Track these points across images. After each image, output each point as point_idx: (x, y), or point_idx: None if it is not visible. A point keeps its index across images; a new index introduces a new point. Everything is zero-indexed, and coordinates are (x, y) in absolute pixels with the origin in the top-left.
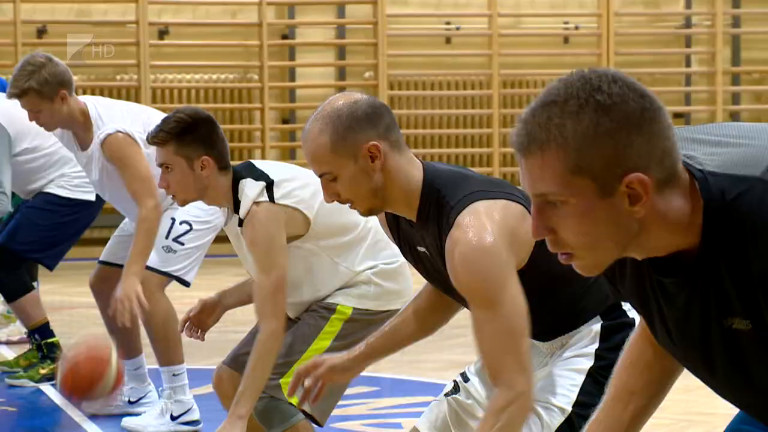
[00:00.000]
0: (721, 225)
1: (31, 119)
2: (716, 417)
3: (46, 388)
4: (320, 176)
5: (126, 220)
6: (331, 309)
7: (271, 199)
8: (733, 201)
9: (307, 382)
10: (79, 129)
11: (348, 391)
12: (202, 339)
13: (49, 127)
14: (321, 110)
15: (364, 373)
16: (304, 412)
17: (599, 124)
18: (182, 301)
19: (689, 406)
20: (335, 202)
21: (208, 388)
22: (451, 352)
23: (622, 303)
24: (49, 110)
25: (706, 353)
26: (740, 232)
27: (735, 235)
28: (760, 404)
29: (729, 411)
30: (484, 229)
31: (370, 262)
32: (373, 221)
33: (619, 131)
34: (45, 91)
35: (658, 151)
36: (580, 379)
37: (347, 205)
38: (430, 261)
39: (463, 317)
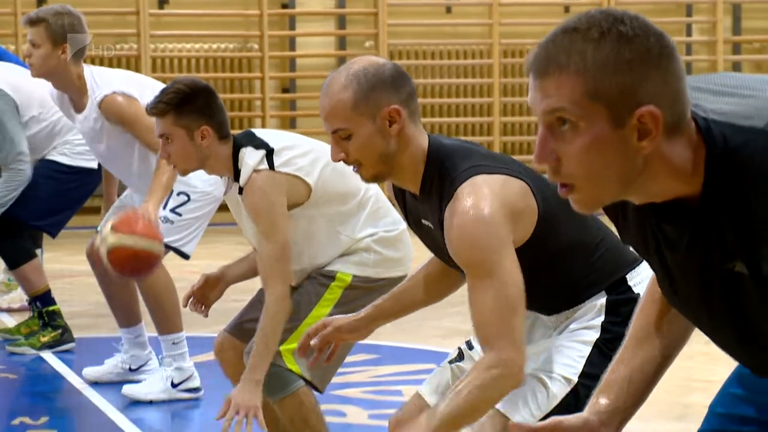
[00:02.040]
0: (723, 173)
1: (26, 53)
2: (716, 384)
3: (47, 355)
4: (333, 132)
5: (127, 191)
6: (331, 276)
7: (271, 166)
8: (736, 150)
9: (313, 342)
10: (75, 93)
11: (348, 359)
12: (206, 315)
13: (35, 70)
14: (345, 67)
15: (364, 341)
16: (304, 379)
17: (620, 54)
18: (183, 269)
19: (690, 373)
20: (341, 162)
21: (209, 356)
22: (452, 320)
23: (628, 278)
24: (46, 52)
25: (706, 297)
26: (742, 180)
27: (737, 183)
28: (756, 351)
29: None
30: (483, 201)
31: (371, 230)
32: (374, 188)
33: (638, 64)
34: (55, 32)
35: (671, 91)
36: (587, 350)
37: (351, 169)
38: (434, 234)
39: (463, 285)
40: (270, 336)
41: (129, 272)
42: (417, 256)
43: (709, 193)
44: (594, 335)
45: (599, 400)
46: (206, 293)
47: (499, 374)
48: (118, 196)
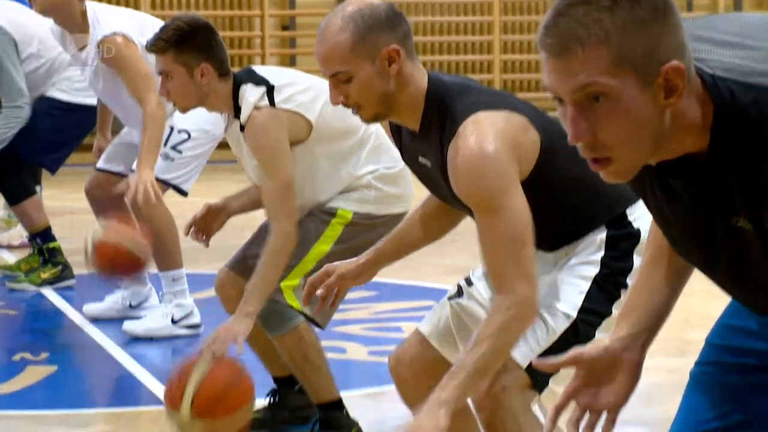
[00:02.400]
0: (731, 130)
1: None
2: (715, 320)
3: (48, 292)
4: (331, 76)
5: (125, 128)
6: (332, 213)
7: (272, 103)
8: (744, 108)
9: (320, 292)
10: (76, 30)
11: (348, 296)
12: (207, 244)
13: (39, 6)
14: (340, 9)
15: None
16: (304, 315)
17: (635, 15)
18: (182, 207)
19: (689, 309)
20: (340, 105)
21: (209, 293)
22: (451, 257)
23: (628, 213)
24: None
25: (709, 250)
26: (749, 139)
27: (744, 141)
28: (759, 299)
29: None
30: (486, 137)
31: (371, 167)
32: (375, 125)
33: (652, 22)
34: None
35: (680, 44)
36: (586, 286)
37: (351, 110)
38: (431, 172)
39: (463, 222)
40: (270, 271)
41: (109, 269)
42: (418, 193)
43: (716, 150)
44: (593, 270)
45: (620, 327)
46: (208, 223)
47: (516, 314)
48: (115, 133)
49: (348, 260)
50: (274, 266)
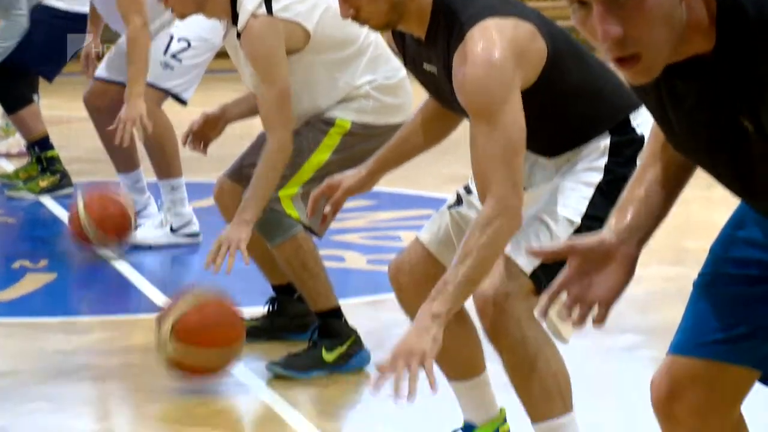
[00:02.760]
0: (732, 26)
1: None
2: (714, 228)
3: (46, 200)
4: None
5: (123, 37)
6: (330, 122)
7: (270, 11)
8: (742, 4)
9: (327, 209)
10: None
11: (346, 205)
12: (205, 152)
13: None
14: None
15: None
16: (302, 224)
17: None
18: (180, 116)
19: (688, 217)
20: (340, 15)
21: (208, 201)
22: (450, 166)
23: (632, 119)
24: None
25: (714, 153)
26: (752, 37)
27: (743, 36)
28: (760, 199)
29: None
30: (493, 45)
31: (369, 77)
32: (374, 35)
33: None
34: None
35: None
36: (589, 192)
37: (354, 21)
38: (436, 78)
39: (461, 129)
40: (266, 180)
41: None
42: (417, 103)
43: (721, 48)
44: (597, 177)
45: (617, 220)
46: (206, 131)
47: (502, 224)
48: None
49: (349, 172)
50: (270, 174)
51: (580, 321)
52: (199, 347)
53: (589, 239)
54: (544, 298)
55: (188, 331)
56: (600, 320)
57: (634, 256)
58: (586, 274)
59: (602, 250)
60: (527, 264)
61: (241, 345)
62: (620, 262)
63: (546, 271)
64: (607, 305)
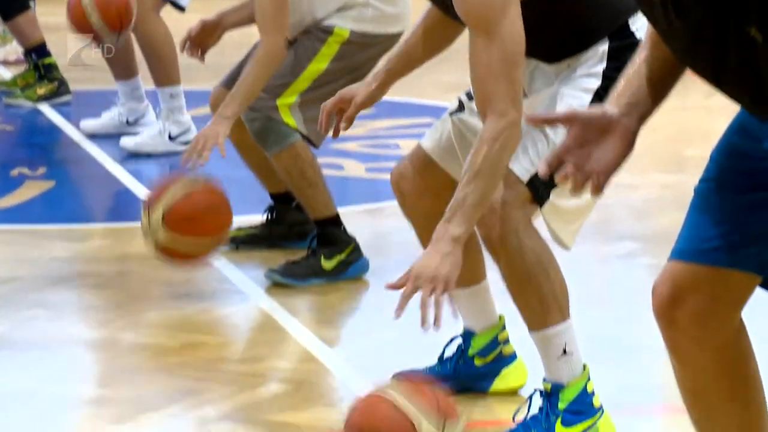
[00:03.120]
0: None
1: None
2: (713, 136)
3: (44, 107)
4: None
5: None
6: (329, 31)
7: None
8: None
9: (343, 126)
10: None
11: None
12: (203, 60)
13: None
14: None
15: None
16: (300, 133)
17: None
18: (178, 23)
19: (687, 125)
20: None
21: (207, 110)
22: (449, 74)
23: (630, 23)
24: None
25: (718, 63)
26: None
27: None
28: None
29: (725, 128)
30: None
31: None
32: None
33: None
34: None
35: None
36: (587, 98)
37: None
38: None
39: (460, 37)
40: (252, 79)
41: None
42: (416, 12)
43: None
44: (595, 83)
45: (618, 95)
46: (203, 38)
47: (507, 138)
48: None
49: (359, 85)
50: (259, 76)
51: (577, 188)
52: (189, 236)
53: (591, 110)
54: (543, 165)
55: (178, 220)
56: (597, 189)
57: (635, 130)
58: (586, 145)
59: (603, 122)
60: (524, 172)
61: (228, 231)
62: (620, 135)
63: (542, 180)
64: (605, 175)
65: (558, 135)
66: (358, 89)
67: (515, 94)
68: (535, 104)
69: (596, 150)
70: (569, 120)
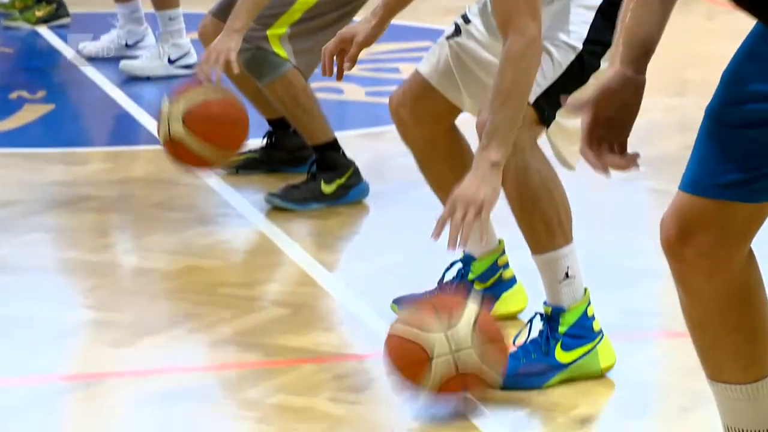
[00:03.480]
0: None
1: None
2: (715, 59)
3: (42, 29)
4: None
5: None
6: None
7: None
8: None
9: (347, 66)
10: None
11: None
12: None
13: None
14: None
15: (356, 19)
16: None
17: None
18: None
19: (689, 48)
20: None
21: None
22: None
23: None
24: None
25: None
26: None
27: None
28: None
29: (729, 52)
30: None
31: None
32: None
33: None
34: None
35: None
36: (590, 15)
37: None
38: None
39: None
40: (248, 4)
41: None
42: None
43: None
44: (598, 0)
45: (619, 50)
46: None
47: (531, 55)
48: None
49: (359, 24)
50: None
51: (621, 167)
52: (201, 138)
53: (595, 92)
54: (582, 151)
55: (199, 119)
56: (627, 161)
57: (641, 83)
58: (604, 118)
59: (609, 95)
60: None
61: (238, 149)
62: (630, 94)
63: (549, 100)
64: (625, 140)
65: (562, 53)
66: (358, 28)
67: (534, 9)
68: (544, 18)
69: (614, 118)
70: (582, 108)
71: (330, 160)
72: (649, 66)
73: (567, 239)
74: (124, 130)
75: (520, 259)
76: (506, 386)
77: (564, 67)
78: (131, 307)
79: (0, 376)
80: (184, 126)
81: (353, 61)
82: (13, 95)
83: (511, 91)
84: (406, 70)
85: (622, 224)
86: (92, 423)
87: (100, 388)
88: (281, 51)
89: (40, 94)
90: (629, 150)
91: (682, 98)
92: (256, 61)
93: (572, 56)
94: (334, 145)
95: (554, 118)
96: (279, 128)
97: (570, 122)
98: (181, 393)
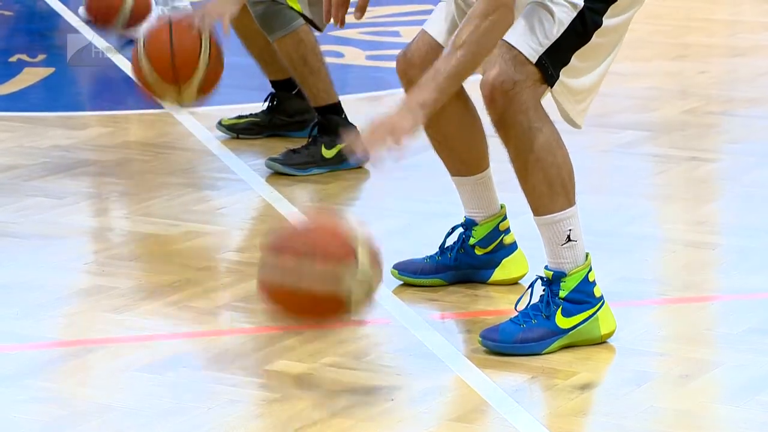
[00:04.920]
0: None
1: None
2: (715, 23)
3: None
4: None
5: None
6: None
7: None
8: None
9: (357, 15)
10: None
11: None
12: None
13: None
14: None
15: None
16: (304, 17)
17: None
18: None
19: (689, 13)
20: None
21: None
22: None
23: None
24: None
25: None
26: None
27: None
28: None
29: (729, 17)
30: None
31: None
32: None
33: None
34: None
35: None
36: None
37: None
38: None
39: None
40: None
41: None
42: None
43: None
44: None
45: None
46: None
47: (497, 19)
48: None
49: None
50: None
51: None
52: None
53: None
54: None
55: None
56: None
57: None
58: None
59: None
60: (532, 53)
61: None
62: None
63: (552, 59)
64: None
65: (563, 11)
66: None
67: None
68: None
69: None
70: None
71: (332, 123)
72: (650, 31)
73: (570, 201)
74: (125, 94)
75: (520, 226)
76: (506, 352)
77: (566, 25)
78: (131, 273)
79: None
80: (146, 56)
81: (362, 11)
82: (13, 59)
83: (465, 42)
84: (406, 34)
85: (620, 190)
86: (92, 389)
87: (100, 354)
88: (295, 3)
89: (41, 57)
90: (630, 115)
91: (683, 63)
92: (269, 15)
93: (574, 14)
94: (336, 108)
95: (558, 77)
96: (282, 90)
97: (575, 81)
98: (181, 359)
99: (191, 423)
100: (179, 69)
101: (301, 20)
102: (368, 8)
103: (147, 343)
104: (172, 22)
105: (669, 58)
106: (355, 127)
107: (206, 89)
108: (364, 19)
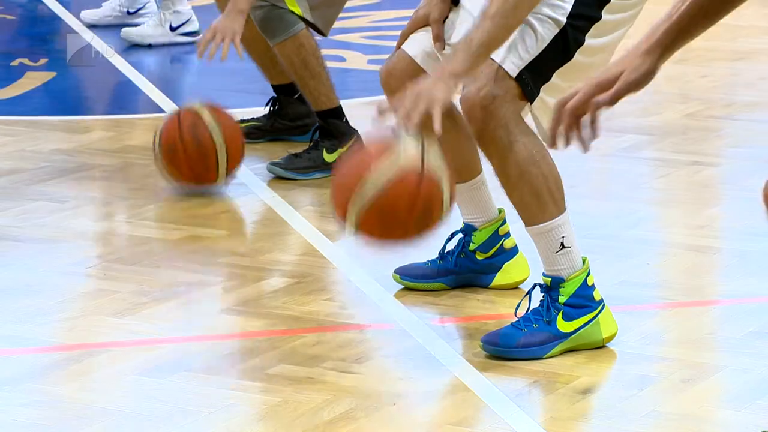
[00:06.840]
0: None
1: None
2: (718, 27)
3: None
4: None
5: None
6: None
7: None
8: None
9: (437, 46)
10: None
11: (348, 4)
12: None
13: None
14: None
15: None
16: (306, 22)
17: None
18: None
19: None
20: None
21: (208, 0)
22: None
23: None
24: None
25: None
26: None
27: None
28: None
29: (730, 21)
30: None
31: None
32: None
33: None
34: None
35: None
36: None
37: None
38: None
39: None
40: None
41: None
42: None
43: None
44: None
45: (645, 40)
46: None
47: None
48: None
49: (424, 5)
50: None
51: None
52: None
53: (603, 73)
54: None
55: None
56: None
57: (647, 70)
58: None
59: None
60: (512, 67)
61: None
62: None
63: (532, 74)
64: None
65: (546, 27)
66: (427, 9)
67: None
68: None
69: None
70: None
71: (333, 127)
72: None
73: (559, 209)
74: (126, 98)
75: (521, 230)
76: (508, 356)
77: (547, 41)
78: (132, 277)
79: (1, 346)
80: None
81: (440, 40)
82: (15, 63)
83: (496, 13)
84: None
85: (621, 194)
86: (94, 393)
87: (102, 358)
88: (296, 8)
89: (42, 61)
90: (632, 119)
91: (684, 67)
92: (270, 19)
93: (556, 30)
94: (337, 113)
95: (538, 93)
96: (283, 94)
97: (554, 99)
98: (182, 363)
99: (193, 427)
100: (202, 178)
101: (302, 24)
102: (369, 12)
103: (149, 347)
104: (184, 139)
105: (670, 61)
106: (356, 131)
107: (233, 167)
108: (365, 23)
